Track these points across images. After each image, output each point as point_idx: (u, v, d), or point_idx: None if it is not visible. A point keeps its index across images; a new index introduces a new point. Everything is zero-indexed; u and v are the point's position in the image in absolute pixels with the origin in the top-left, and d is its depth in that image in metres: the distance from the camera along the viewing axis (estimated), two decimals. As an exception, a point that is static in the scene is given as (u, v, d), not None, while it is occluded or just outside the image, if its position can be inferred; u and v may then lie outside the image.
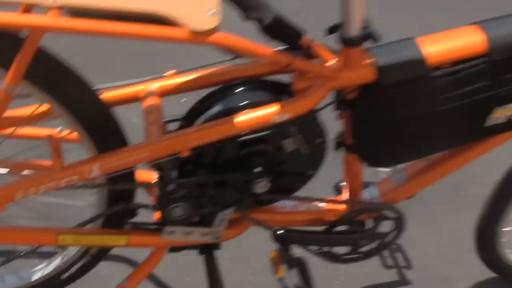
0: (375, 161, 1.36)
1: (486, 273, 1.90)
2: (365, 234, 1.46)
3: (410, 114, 1.27)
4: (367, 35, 1.19)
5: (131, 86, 1.26)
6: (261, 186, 1.26)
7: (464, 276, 1.90)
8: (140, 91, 1.25)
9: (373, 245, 1.51)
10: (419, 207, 2.03)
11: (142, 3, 0.98)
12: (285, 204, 1.41)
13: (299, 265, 1.38)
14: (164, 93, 1.25)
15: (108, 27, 0.97)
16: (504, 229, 1.72)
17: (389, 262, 1.87)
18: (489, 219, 1.68)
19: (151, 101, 1.24)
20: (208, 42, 1.01)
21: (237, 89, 1.24)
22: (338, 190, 1.49)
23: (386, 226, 1.49)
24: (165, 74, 1.27)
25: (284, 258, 1.37)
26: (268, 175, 1.26)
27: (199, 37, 0.99)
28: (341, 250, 1.51)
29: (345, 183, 1.45)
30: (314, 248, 1.46)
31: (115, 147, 1.19)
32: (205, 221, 1.32)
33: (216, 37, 1.01)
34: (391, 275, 1.85)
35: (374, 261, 1.84)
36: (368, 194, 1.47)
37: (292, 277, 1.37)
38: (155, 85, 1.25)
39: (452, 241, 1.94)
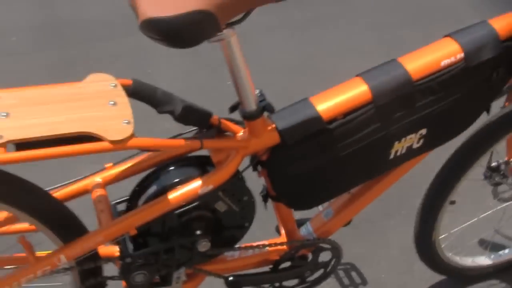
0: (299, 205, 1.58)
1: (437, 277, 2.11)
2: (307, 266, 1.67)
3: (317, 163, 1.49)
4: (264, 107, 1.40)
5: (79, 181, 1.47)
6: (205, 246, 1.47)
7: (417, 283, 2.11)
8: (88, 184, 1.47)
9: (319, 273, 1.72)
10: (368, 226, 2.25)
11: (70, 128, 1.19)
12: (233, 252, 1.62)
13: None
14: (107, 183, 1.47)
15: (46, 152, 1.19)
16: (440, 237, 1.94)
17: (345, 281, 2.07)
18: (423, 228, 1.88)
19: (98, 192, 1.45)
20: (127, 148, 1.23)
21: (168, 169, 1.46)
22: (279, 231, 1.70)
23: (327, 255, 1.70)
24: (105, 167, 1.48)
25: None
26: (209, 235, 1.48)
27: (119, 145, 1.20)
28: (291, 283, 1.72)
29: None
30: (266, 286, 1.67)
31: (75, 234, 1.40)
32: (165, 281, 1.54)
33: (133, 142, 1.23)
34: (349, 294, 2.05)
35: (331, 282, 2.04)
36: (305, 231, 1.69)
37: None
38: (98, 178, 1.47)
39: (402, 252, 2.14)
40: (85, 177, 1.48)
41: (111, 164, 1.49)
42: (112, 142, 1.18)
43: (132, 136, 1.20)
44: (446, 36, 1.53)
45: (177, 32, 1.20)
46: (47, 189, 1.40)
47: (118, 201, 1.51)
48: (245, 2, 1.23)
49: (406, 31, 3.22)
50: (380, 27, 3.27)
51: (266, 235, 1.72)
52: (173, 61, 3.12)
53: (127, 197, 1.50)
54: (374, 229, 2.27)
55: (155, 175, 1.46)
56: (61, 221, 1.40)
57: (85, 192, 1.48)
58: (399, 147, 1.54)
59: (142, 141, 1.26)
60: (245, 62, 1.35)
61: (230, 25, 1.29)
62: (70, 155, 1.19)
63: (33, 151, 1.18)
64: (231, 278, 1.59)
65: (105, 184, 1.47)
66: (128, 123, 1.21)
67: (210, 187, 1.39)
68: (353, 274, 2.10)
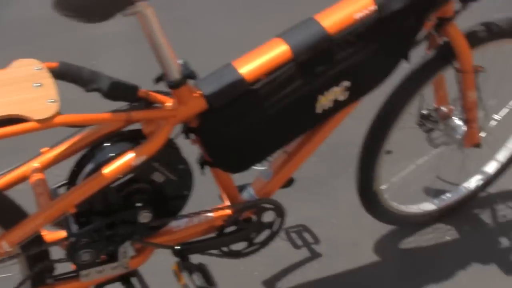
0: (235, 168, 1.62)
1: (386, 227, 2.18)
2: (252, 228, 1.72)
3: (246, 124, 1.54)
4: (187, 75, 1.45)
5: (16, 169, 1.50)
6: (146, 217, 1.51)
7: (367, 236, 2.17)
8: (26, 171, 1.50)
9: (265, 234, 1.77)
10: (317, 186, 2.32)
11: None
12: (178, 223, 1.66)
13: (199, 269, 1.64)
14: (45, 167, 1.50)
15: None
16: (382, 187, 2.00)
17: (298, 242, 2.13)
18: (363, 180, 1.95)
19: (36, 177, 1.48)
20: (53, 126, 1.27)
21: (102, 146, 1.49)
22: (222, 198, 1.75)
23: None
24: (41, 151, 1.52)
25: (184, 267, 1.63)
26: (150, 206, 1.52)
27: (45, 124, 1.23)
28: (241, 246, 1.77)
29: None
30: (215, 252, 1.72)
31: (16, 220, 1.43)
32: (112, 257, 1.57)
33: (58, 119, 1.26)
34: (303, 254, 2.11)
35: (285, 245, 2.10)
36: (247, 195, 1.74)
37: (195, 280, 1.63)
38: (35, 163, 1.50)
39: (351, 209, 2.19)
40: (22, 164, 1.50)
41: (47, 148, 1.52)
42: (38, 121, 1.22)
43: (57, 114, 1.23)
44: None
45: (88, 7, 1.23)
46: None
47: (58, 185, 1.54)
48: None
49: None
50: None
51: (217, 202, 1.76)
52: (117, 51, 3.15)
53: (66, 180, 1.53)
54: (323, 189, 2.33)
55: (91, 154, 1.49)
56: (1, 209, 1.43)
57: (24, 179, 1.50)
58: (325, 101, 1.60)
59: (69, 118, 1.30)
60: (163, 33, 1.39)
61: None
62: (3, 136, 1.22)
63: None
64: (177, 247, 1.63)
65: (43, 168, 1.50)
66: (54, 101, 1.24)
67: (143, 157, 1.43)
68: (306, 235, 2.16)
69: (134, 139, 1.50)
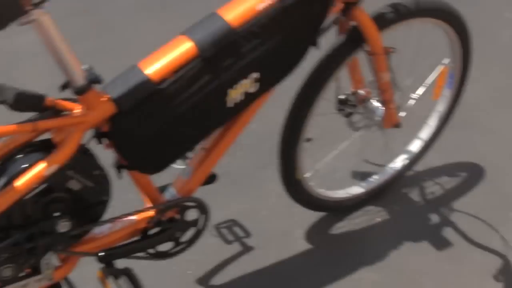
0: (152, 169, 1.61)
1: (317, 215, 2.20)
2: (176, 227, 1.71)
3: (158, 124, 1.53)
4: (92, 80, 1.43)
5: None
6: (65, 226, 1.49)
7: (298, 224, 2.19)
8: None
9: (192, 232, 1.76)
10: (245, 180, 2.32)
11: None
12: (101, 229, 1.64)
13: (124, 274, 1.62)
14: None
15: None
16: (306, 175, 2.01)
17: (230, 237, 2.13)
18: (286, 170, 1.96)
19: None
20: None
21: (13, 158, 1.46)
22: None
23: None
24: None
25: (109, 273, 1.61)
26: (68, 215, 1.49)
27: None
28: (167, 246, 1.75)
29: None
30: (142, 254, 1.71)
31: None
32: (35, 270, 1.54)
33: None
34: (235, 248, 2.11)
35: (216, 242, 2.10)
36: (168, 195, 1.73)
37: (121, 286, 1.61)
38: None
39: (280, 199, 2.20)
40: None
41: None
42: None
43: None
44: None
45: None
46: None
47: None
48: None
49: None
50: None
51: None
52: (37, 62, 3.09)
53: None
54: (251, 182, 2.34)
55: (2, 168, 1.46)
56: None
57: None
58: (235, 94, 1.59)
59: None
60: (63, 40, 1.37)
61: (37, 5, 1.30)
62: None
63: None
64: (101, 254, 1.61)
65: None
66: None
67: (55, 167, 1.41)
68: (236, 229, 2.16)
69: (46, 148, 1.47)
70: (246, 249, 2.10)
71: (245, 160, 2.30)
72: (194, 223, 1.74)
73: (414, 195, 2.32)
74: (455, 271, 2.04)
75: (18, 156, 1.46)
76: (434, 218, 2.22)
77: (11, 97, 1.35)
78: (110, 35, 3.22)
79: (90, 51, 2.69)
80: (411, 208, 2.28)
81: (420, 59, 2.19)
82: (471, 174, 2.40)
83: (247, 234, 2.14)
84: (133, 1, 3.46)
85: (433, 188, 2.34)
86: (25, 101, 1.37)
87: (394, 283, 2.00)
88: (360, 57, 1.90)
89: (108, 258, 1.62)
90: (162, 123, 1.53)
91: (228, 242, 2.12)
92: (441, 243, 2.12)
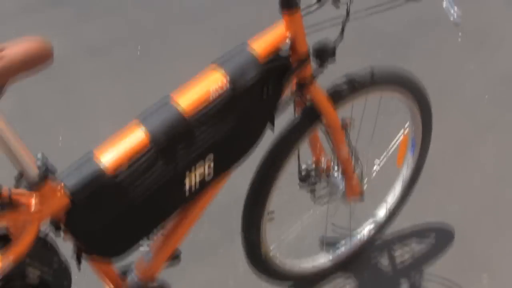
0: (112, 254, 1.60)
1: (284, 284, 2.19)
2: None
3: (113, 213, 1.52)
4: (46, 171, 1.42)
5: None
6: None
7: None
8: None
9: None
10: (211, 251, 2.34)
11: None
12: None
13: None
14: None
15: None
16: (271, 247, 2.02)
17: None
18: (250, 246, 1.97)
19: None
20: None
21: None
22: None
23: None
24: None
25: None
26: None
27: None
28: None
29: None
30: None
31: None
32: None
33: None
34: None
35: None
36: (131, 279, 1.72)
37: None
38: None
39: (248, 269, 2.17)
40: None
41: None
42: None
43: None
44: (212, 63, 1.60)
45: None
46: None
47: None
48: None
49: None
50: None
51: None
52: None
53: None
54: (218, 252, 2.34)
55: None
56: None
57: None
58: (192, 181, 1.59)
59: None
60: (12, 132, 1.36)
61: None
62: None
63: None
64: None
65: None
66: None
67: (12, 259, 1.40)
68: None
69: (3, 240, 1.47)
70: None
71: (212, 229, 2.31)
72: None
73: (384, 260, 2.33)
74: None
75: None
76: (405, 284, 2.22)
77: None
78: (74, 100, 3.23)
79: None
80: (381, 275, 2.29)
81: (382, 126, 2.21)
82: (440, 235, 2.42)
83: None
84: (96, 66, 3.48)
85: (403, 252, 2.35)
86: None
87: None
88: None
89: None
90: (118, 212, 1.53)
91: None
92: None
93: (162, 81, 3.10)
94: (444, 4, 1.70)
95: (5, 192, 1.38)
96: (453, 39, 3.55)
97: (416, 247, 2.37)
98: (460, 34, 3.74)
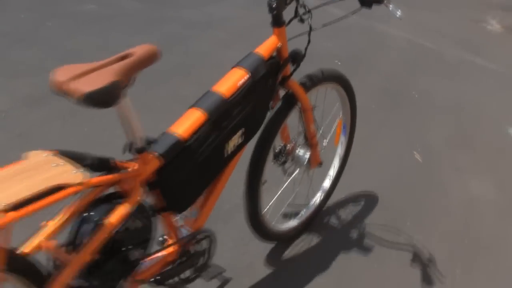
0: (182, 208, 2.14)
1: (268, 247, 2.80)
2: (197, 255, 2.25)
3: (187, 170, 2.06)
4: (149, 141, 1.97)
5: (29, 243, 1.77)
6: (135, 255, 1.96)
7: (255, 257, 2.77)
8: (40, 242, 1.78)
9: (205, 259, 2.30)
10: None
11: (43, 185, 1.58)
12: (145, 264, 2.12)
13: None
14: (50, 237, 1.81)
15: (38, 205, 1.56)
16: (264, 211, 2.63)
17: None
18: (251, 207, 2.56)
19: (49, 245, 1.85)
20: (89, 186, 1.71)
21: (98, 207, 1.86)
22: (163, 241, 2.22)
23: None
24: (41, 225, 1.81)
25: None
26: (140, 245, 1.97)
27: (83, 185, 1.65)
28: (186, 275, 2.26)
29: (166, 235, 2.21)
30: (171, 282, 2.21)
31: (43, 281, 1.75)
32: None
33: (92, 181, 1.72)
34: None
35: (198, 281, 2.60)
36: (185, 232, 2.26)
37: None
38: (42, 236, 1.79)
39: (238, 240, 2.78)
40: (29, 238, 1.78)
41: (45, 221, 1.83)
42: (78, 184, 1.64)
43: (88, 177, 1.69)
44: (234, 67, 2.25)
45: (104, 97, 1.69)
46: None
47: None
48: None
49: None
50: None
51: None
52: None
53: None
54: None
55: (88, 216, 1.84)
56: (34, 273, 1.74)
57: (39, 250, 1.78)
58: (230, 146, 2.22)
59: (96, 180, 1.77)
60: (136, 114, 1.83)
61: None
62: (54, 202, 1.60)
63: (28, 207, 1.55)
64: (157, 277, 2.11)
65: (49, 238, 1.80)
66: (77, 172, 1.68)
67: (131, 207, 1.88)
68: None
69: (116, 198, 1.92)
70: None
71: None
72: (208, 251, 2.28)
73: (333, 219, 3.07)
74: (382, 267, 2.78)
75: (101, 205, 1.88)
76: (353, 233, 2.98)
77: (92, 161, 1.83)
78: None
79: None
80: (335, 230, 3.01)
81: (328, 113, 2.92)
82: (367, 200, 3.23)
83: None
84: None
85: (345, 213, 3.14)
86: (99, 164, 1.87)
87: (338, 283, 2.68)
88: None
89: (160, 281, 2.13)
90: (189, 170, 2.08)
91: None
92: (366, 249, 2.84)
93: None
94: (391, 8, 2.47)
95: (112, 162, 1.87)
96: (334, 65, 4.51)
97: (353, 209, 3.15)
98: (338, 62, 4.72)
